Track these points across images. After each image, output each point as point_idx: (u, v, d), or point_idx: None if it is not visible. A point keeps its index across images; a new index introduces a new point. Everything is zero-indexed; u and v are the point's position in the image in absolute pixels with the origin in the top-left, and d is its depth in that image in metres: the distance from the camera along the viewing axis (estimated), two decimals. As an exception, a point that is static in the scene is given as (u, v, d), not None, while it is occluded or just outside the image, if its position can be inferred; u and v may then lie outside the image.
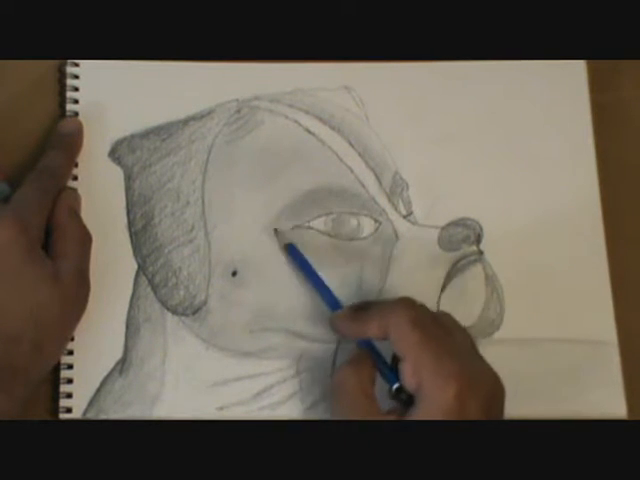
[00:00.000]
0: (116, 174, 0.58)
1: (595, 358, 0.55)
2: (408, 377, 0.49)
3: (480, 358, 0.51)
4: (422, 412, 0.48)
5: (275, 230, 0.57)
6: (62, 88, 0.59)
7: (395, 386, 0.50)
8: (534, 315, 0.56)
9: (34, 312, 0.50)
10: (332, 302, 0.55)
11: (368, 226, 0.58)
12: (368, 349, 0.52)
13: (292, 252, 0.57)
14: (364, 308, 0.53)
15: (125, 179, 0.58)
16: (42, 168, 0.55)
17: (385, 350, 0.52)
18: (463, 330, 0.52)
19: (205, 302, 0.56)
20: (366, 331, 0.51)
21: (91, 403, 0.55)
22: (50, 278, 0.51)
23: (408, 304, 0.51)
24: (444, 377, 0.48)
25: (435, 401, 0.48)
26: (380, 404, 0.50)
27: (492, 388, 0.50)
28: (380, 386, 0.51)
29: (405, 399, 0.50)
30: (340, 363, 0.53)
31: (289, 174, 0.58)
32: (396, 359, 0.51)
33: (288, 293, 0.57)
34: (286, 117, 0.59)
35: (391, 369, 0.51)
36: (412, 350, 0.49)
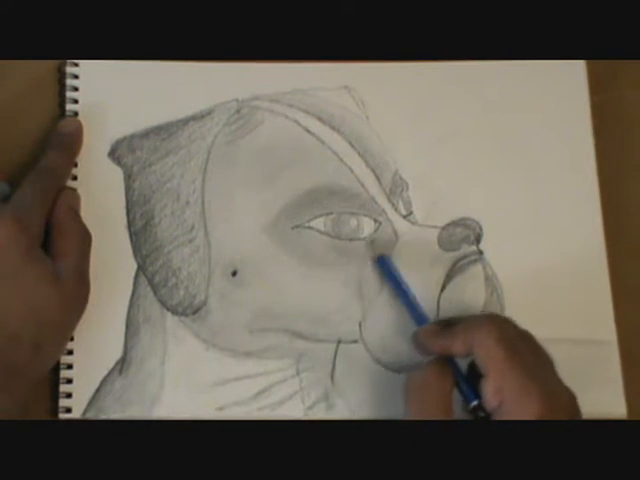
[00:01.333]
0: (116, 174, 0.58)
1: (595, 358, 0.55)
2: (490, 394, 0.49)
3: (559, 379, 0.50)
4: None
5: (371, 241, 0.57)
6: (62, 88, 0.59)
7: (474, 403, 0.50)
8: (534, 315, 0.56)
9: (34, 311, 0.50)
10: (419, 317, 0.55)
11: (368, 226, 0.58)
12: (450, 363, 0.52)
13: (383, 264, 0.57)
14: (450, 324, 0.52)
15: (125, 179, 0.58)
16: (42, 168, 0.55)
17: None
18: (544, 350, 0.51)
19: (205, 302, 0.56)
20: (451, 347, 0.51)
21: (91, 403, 0.55)
22: (50, 277, 0.51)
23: (494, 320, 0.51)
24: (527, 397, 0.48)
25: (520, 415, 0.48)
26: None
27: (571, 410, 0.49)
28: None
29: (482, 416, 0.50)
30: (412, 369, 0.53)
31: (289, 174, 0.58)
32: (476, 375, 0.50)
33: (288, 293, 0.57)
34: (286, 117, 0.59)
35: (470, 385, 0.51)
36: (497, 368, 0.49)
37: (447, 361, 0.52)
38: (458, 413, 0.51)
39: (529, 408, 0.47)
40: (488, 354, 0.49)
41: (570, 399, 0.50)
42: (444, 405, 0.50)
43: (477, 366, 0.50)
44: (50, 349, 0.52)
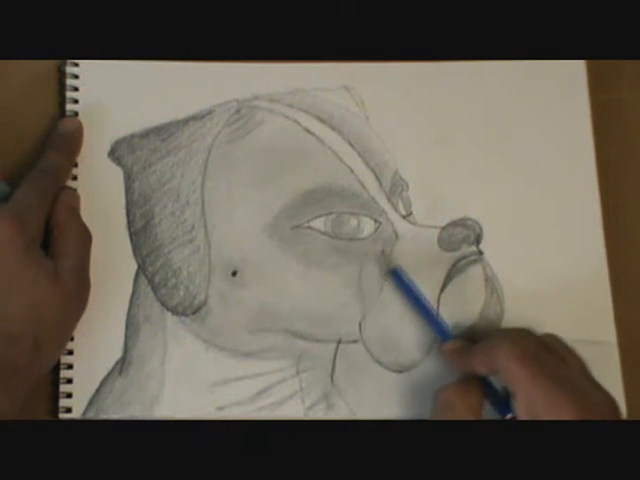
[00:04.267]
0: (116, 174, 0.58)
1: (595, 358, 0.55)
2: (522, 413, 0.48)
3: (594, 382, 0.50)
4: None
5: (382, 252, 0.57)
6: (62, 88, 0.59)
7: (509, 416, 0.50)
8: (534, 315, 0.56)
9: (34, 311, 0.50)
10: (440, 330, 0.55)
11: (368, 226, 0.58)
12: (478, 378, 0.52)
13: (397, 278, 0.56)
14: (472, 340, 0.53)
15: (125, 179, 0.58)
16: (42, 168, 0.55)
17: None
18: (574, 353, 0.51)
19: (205, 302, 0.56)
20: (473, 367, 0.51)
21: (91, 403, 0.55)
22: (50, 277, 0.51)
23: (512, 338, 0.50)
24: (559, 410, 0.47)
25: None
26: None
27: (607, 410, 0.49)
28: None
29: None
30: (441, 385, 0.53)
31: (289, 174, 0.58)
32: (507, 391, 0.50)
33: (288, 293, 0.57)
34: (286, 117, 0.59)
35: (502, 400, 0.51)
36: (523, 386, 0.48)
37: (480, 378, 0.52)
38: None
39: (564, 418, 0.47)
40: (512, 374, 0.49)
41: (608, 403, 0.49)
42: (473, 416, 0.51)
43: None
44: (50, 349, 0.52)
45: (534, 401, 0.48)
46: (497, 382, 0.52)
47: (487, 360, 0.50)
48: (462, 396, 0.51)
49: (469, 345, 0.53)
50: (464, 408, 0.51)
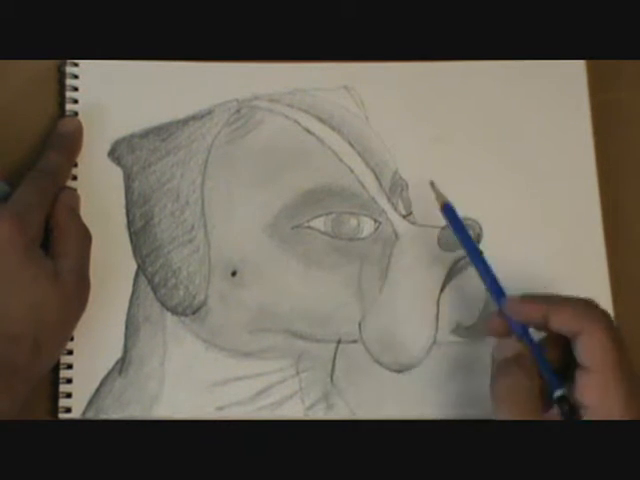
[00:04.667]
0: (116, 174, 0.58)
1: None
2: (589, 391, 0.46)
3: None
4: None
5: (431, 183, 0.54)
6: (62, 88, 0.59)
7: (559, 393, 0.47)
8: (534, 315, 0.55)
9: (34, 311, 0.50)
10: (494, 287, 0.52)
11: (368, 226, 0.58)
12: (531, 346, 0.49)
13: (450, 213, 0.54)
14: (549, 296, 0.50)
15: (125, 179, 0.58)
16: (41, 168, 0.55)
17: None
18: None
19: (205, 302, 0.56)
20: (555, 318, 0.48)
21: (90, 403, 0.55)
22: (50, 277, 0.51)
23: (609, 319, 0.48)
24: (633, 402, 0.46)
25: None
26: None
27: None
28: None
29: (567, 410, 0.47)
30: (491, 367, 0.50)
31: (289, 174, 0.58)
32: (569, 364, 0.48)
33: (288, 293, 0.57)
34: (286, 117, 0.59)
35: (553, 375, 0.48)
36: (607, 369, 0.46)
37: (526, 350, 0.49)
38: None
39: (632, 413, 0.46)
40: (603, 351, 0.46)
41: None
42: (536, 407, 0.48)
43: (577, 354, 0.47)
44: (50, 349, 0.52)
45: (612, 382, 0.46)
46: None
47: (576, 317, 0.47)
48: (526, 379, 0.48)
49: (547, 298, 0.50)
50: (528, 392, 0.47)
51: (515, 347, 0.50)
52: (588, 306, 0.49)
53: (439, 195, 0.55)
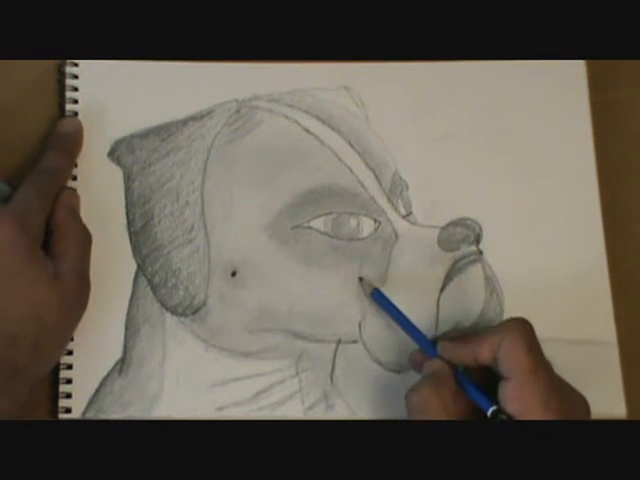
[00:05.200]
0: (115, 174, 0.58)
1: (595, 358, 0.55)
2: (510, 399, 0.49)
3: (569, 385, 0.51)
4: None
5: (360, 279, 0.57)
6: (61, 88, 0.59)
7: (492, 409, 0.50)
8: (533, 315, 0.55)
9: (34, 312, 0.50)
10: (428, 347, 0.54)
11: (368, 226, 0.58)
12: (459, 375, 0.52)
13: (379, 297, 0.56)
14: (470, 334, 0.52)
15: (124, 179, 0.58)
16: (42, 168, 0.55)
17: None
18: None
19: (204, 302, 0.56)
20: (478, 353, 0.51)
21: (90, 403, 0.55)
22: (50, 278, 0.51)
23: (524, 327, 0.51)
24: (548, 405, 0.48)
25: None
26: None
27: (586, 415, 0.50)
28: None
29: (503, 420, 0.49)
30: (411, 384, 0.52)
31: (289, 174, 0.58)
32: (484, 380, 0.51)
33: (288, 293, 0.57)
34: (286, 117, 0.59)
35: (482, 394, 0.51)
36: (523, 372, 0.49)
37: (446, 373, 0.52)
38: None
39: (551, 413, 0.48)
40: (515, 359, 0.49)
41: (584, 406, 0.50)
42: (447, 413, 0.50)
43: (498, 368, 0.50)
44: (50, 350, 0.52)
45: (528, 389, 0.49)
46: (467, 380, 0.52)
47: (494, 342, 0.50)
48: (435, 393, 0.50)
49: (466, 334, 0.53)
50: (439, 404, 0.50)
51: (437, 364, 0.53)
52: (507, 321, 0.52)
53: (367, 286, 0.56)
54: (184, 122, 0.59)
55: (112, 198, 0.57)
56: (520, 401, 0.49)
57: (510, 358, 0.50)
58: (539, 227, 0.59)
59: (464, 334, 0.54)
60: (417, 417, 0.51)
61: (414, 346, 0.56)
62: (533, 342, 0.50)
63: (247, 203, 0.58)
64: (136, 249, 0.57)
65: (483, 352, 0.51)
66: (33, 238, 0.51)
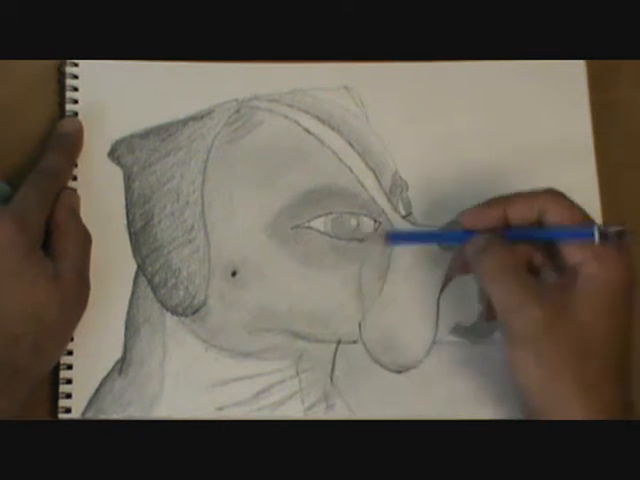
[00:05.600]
0: (115, 174, 0.58)
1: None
2: (573, 252, 0.49)
3: None
4: (597, 278, 0.48)
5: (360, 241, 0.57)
6: (61, 88, 0.59)
7: (596, 227, 0.49)
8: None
9: (34, 312, 0.50)
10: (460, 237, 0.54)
11: (368, 226, 0.58)
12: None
13: (397, 239, 0.57)
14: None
15: (124, 179, 0.58)
16: (42, 169, 0.55)
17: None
18: None
19: (204, 302, 0.56)
20: (512, 213, 0.50)
21: (90, 403, 0.55)
22: (50, 278, 0.51)
23: (561, 192, 0.51)
24: (611, 259, 0.48)
25: (614, 267, 0.48)
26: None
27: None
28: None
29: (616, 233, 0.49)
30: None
31: (289, 174, 0.58)
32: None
33: (288, 293, 0.57)
34: (286, 117, 0.59)
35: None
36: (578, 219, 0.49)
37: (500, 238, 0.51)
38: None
39: (622, 261, 0.48)
40: (568, 207, 0.49)
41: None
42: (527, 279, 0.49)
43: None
44: (50, 350, 0.52)
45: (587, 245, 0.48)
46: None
47: (534, 201, 0.50)
48: (509, 251, 0.50)
49: (496, 197, 0.52)
50: (517, 265, 0.50)
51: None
52: (541, 191, 0.51)
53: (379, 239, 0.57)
54: (184, 122, 0.59)
55: (112, 198, 0.57)
56: (581, 255, 0.49)
57: (562, 217, 0.49)
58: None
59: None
60: (491, 281, 0.50)
61: (414, 348, 0.56)
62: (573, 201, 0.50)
63: (247, 203, 0.58)
64: (136, 249, 0.57)
65: (519, 211, 0.50)
66: (33, 238, 0.51)
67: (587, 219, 0.50)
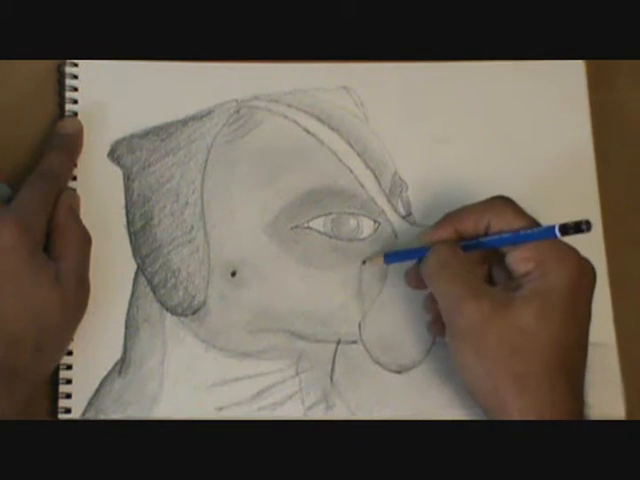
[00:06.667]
0: (115, 174, 0.58)
1: (594, 360, 0.55)
2: (523, 261, 0.49)
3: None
4: (540, 284, 0.49)
5: (364, 262, 0.57)
6: (61, 88, 0.59)
7: (557, 226, 0.49)
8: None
9: (36, 314, 0.50)
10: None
11: (367, 227, 0.58)
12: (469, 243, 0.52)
13: (393, 258, 0.56)
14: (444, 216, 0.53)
15: (124, 179, 0.58)
16: (43, 170, 0.54)
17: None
18: None
19: (204, 302, 0.56)
20: (464, 226, 0.51)
21: (90, 403, 0.55)
22: (51, 280, 0.51)
23: (506, 199, 0.52)
24: (564, 261, 0.49)
25: (557, 275, 0.49)
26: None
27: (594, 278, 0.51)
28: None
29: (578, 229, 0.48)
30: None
31: (288, 174, 0.58)
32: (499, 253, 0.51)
33: (288, 293, 0.57)
34: (285, 117, 0.59)
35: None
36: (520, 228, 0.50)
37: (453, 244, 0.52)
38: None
39: (566, 269, 0.49)
40: (512, 219, 0.50)
41: (591, 265, 0.51)
42: (468, 276, 0.50)
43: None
44: (51, 352, 0.52)
45: (539, 248, 0.49)
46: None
47: (480, 217, 0.51)
48: (453, 250, 0.51)
49: (450, 214, 0.53)
50: (459, 263, 0.51)
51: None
52: (488, 202, 0.52)
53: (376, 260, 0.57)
54: (184, 122, 0.59)
55: (112, 198, 0.57)
56: (532, 263, 0.49)
57: (505, 227, 0.50)
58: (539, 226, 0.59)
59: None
60: (435, 279, 0.51)
61: (414, 348, 0.56)
62: (519, 209, 0.51)
63: (247, 203, 0.58)
64: (136, 249, 0.57)
65: (468, 225, 0.51)
66: (35, 240, 0.51)
67: (532, 224, 0.51)
